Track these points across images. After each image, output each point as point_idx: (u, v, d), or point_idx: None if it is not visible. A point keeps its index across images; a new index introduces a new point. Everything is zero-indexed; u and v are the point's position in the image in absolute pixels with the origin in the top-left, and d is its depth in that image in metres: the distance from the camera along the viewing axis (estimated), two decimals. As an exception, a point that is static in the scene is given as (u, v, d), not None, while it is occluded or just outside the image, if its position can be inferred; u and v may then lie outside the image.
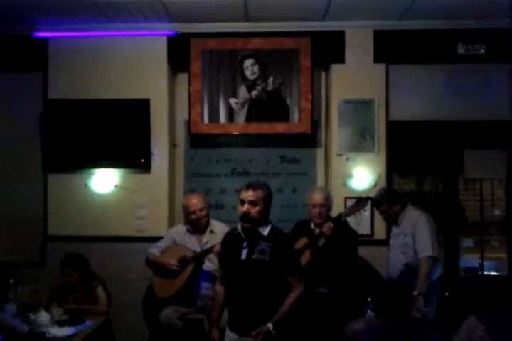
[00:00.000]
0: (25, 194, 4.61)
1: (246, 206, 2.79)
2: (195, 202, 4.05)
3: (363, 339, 2.62)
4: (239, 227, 2.90)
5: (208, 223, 4.09)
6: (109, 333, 3.78)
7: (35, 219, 4.58)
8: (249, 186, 2.84)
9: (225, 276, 2.97)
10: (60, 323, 3.35)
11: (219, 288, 3.02)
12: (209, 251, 3.86)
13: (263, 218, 2.85)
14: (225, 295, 2.94)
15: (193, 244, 4.04)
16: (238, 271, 2.82)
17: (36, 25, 4.52)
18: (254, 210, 2.79)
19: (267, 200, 2.85)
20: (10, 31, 4.55)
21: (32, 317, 3.27)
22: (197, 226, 4.06)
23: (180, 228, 4.17)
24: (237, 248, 2.84)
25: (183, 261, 3.89)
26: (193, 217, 4.02)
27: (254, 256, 2.78)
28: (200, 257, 3.90)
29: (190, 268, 3.88)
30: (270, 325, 2.71)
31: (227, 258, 2.94)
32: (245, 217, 2.80)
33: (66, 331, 3.24)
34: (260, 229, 2.84)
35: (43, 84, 4.61)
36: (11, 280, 3.61)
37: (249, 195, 2.80)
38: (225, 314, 2.98)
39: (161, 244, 4.10)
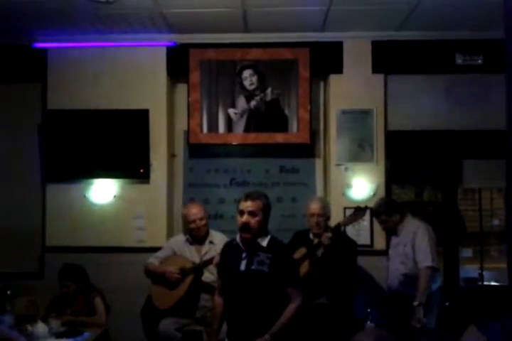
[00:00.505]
0: (23, 204, 4.61)
1: (245, 216, 2.79)
2: (195, 211, 4.04)
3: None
4: (237, 238, 2.89)
5: (207, 233, 4.08)
6: (107, 345, 3.75)
7: (34, 229, 4.57)
8: (248, 196, 2.83)
9: (223, 287, 2.95)
10: (58, 335, 3.31)
11: (218, 299, 3.00)
12: (208, 262, 3.84)
13: (262, 228, 2.84)
14: (224, 307, 2.92)
15: (192, 254, 4.03)
16: (237, 282, 2.81)
17: (35, 36, 4.54)
18: (254, 220, 2.78)
19: (265, 210, 2.84)
20: (9, 42, 4.58)
21: (29, 328, 3.24)
22: (196, 235, 4.05)
23: (180, 238, 4.16)
24: (236, 259, 2.83)
25: (183, 272, 3.87)
26: (193, 226, 4.01)
27: (253, 267, 2.76)
28: (199, 268, 3.88)
29: (189, 279, 3.85)
30: (268, 337, 2.69)
31: (225, 270, 2.92)
32: (245, 227, 2.79)
33: (64, 343, 3.22)
34: (259, 240, 2.83)
35: (42, 95, 4.62)
36: (9, 291, 3.59)
37: (248, 205, 2.79)
38: (225, 325, 2.96)
39: (159, 254, 4.08)
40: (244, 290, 2.77)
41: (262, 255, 2.78)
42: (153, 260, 4.03)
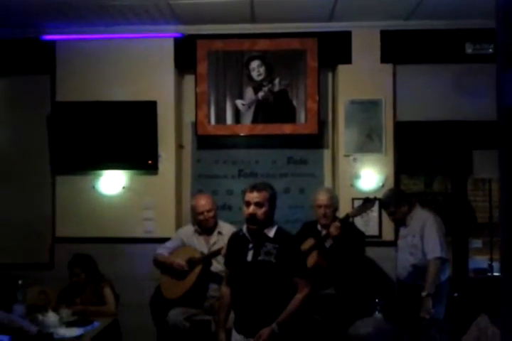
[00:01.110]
0: (33, 196, 4.64)
1: (252, 207, 2.79)
2: (204, 203, 4.05)
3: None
4: (244, 229, 2.90)
5: (215, 224, 4.09)
6: (116, 334, 3.79)
7: (44, 220, 4.60)
8: (253, 187, 2.83)
9: (230, 278, 2.97)
10: (68, 324, 3.37)
11: (225, 289, 3.02)
12: (217, 252, 3.86)
13: (269, 219, 2.84)
14: (231, 297, 2.94)
15: (200, 244, 4.05)
16: (244, 272, 2.82)
17: (44, 29, 4.55)
18: (260, 211, 2.79)
19: (272, 201, 2.85)
20: (18, 34, 4.58)
21: (40, 318, 3.29)
22: (204, 227, 4.06)
23: (189, 228, 4.18)
24: (243, 249, 2.84)
25: (191, 262, 3.89)
26: (201, 217, 4.03)
27: (260, 258, 2.77)
28: (208, 258, 3.91)
29: (198, 270, 3.88)
30: (275, 326, 2.70)
31: (233, 260, 2.94)
32: (252, 218, 2.79)
33: (74, 332, 3.27)
34: (266, 231, 2.83)
35: (51, 87, 4.64)
36: (20, 282, 3.63)
37: (254, 196, 2.80)
38: (232, 315, 2.98)
39: (169, 244, 4.11)
40: (251, 280, 2.78)
41: (268, 245, 2.78)
42: (163, 250, 4.05)
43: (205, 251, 3.98)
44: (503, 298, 1.14)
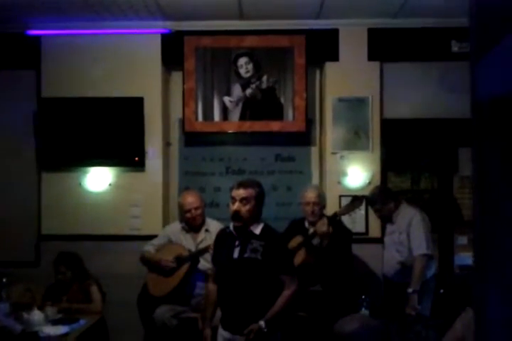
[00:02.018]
0: (18, 193, 4.59)
1: (237, 204, 2.78)
2: (191, 200, 4.03)
3: (359, 340, 2.62)
4: (231, 226, 2.90)
5: (203, 222, 4.08)
6: (103, 332, 3.77)
7: (29, 217, 4.56)
8: (240, 184, 2.83)
9: (217, 275, 2.97)
10: (54, 322, 3.34)
11: (211, 286, 3.01)
12: (204, 250, 3.85)
13: (254, 216, 2.84)
14: (218, 294, 2.93)
15: (188, 242, 4.03)
16: (230, 269, 2.81)
17: (29, 24, 4.50)
18: (245, 209, 2.78)
19: (258, 199, 2.84)
20: (2, 29, 4.52)
21: (25, 316, 3.27)
22: (192, 224, 4.05)
23: (176, 226, 4.16)
24: (230, 246, 2.83)
25: (179, 260, 3.88)
26: (188, 215, 4.01)
27: (246, 255, 2.77)
28: (195, 256, 3.90)
29: (185, 267, 3.87)
30: (262, 323, 2.70)
31: (219, 257, 2.93)
32: (236, 215, 2.79)
33: (60, 330, 3.23)
34: (252, 228, 2.83)
35: (36, 82, 4.59)
36: (4, 279, 3.61)
37: (240, 193, 2.79)
38: (218, 312, 2.98)
39: (155, 241, 4.09)
40: (237, 277, 2.78)
41: (255, 243, 2.78)
42: (149, 248, 4.04)
43: (193, 248, 3.97)
44: (474, 294, 1.15)
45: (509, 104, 1.01)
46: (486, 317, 1.09)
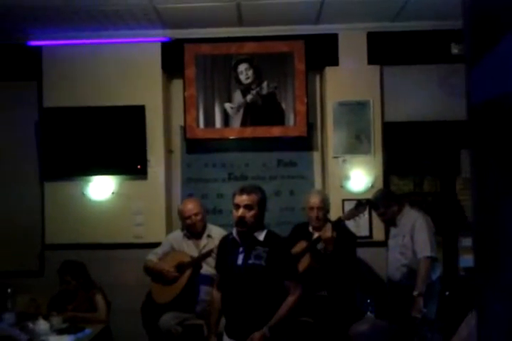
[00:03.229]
0: (22, 202, 4.60)
1: (241, 210, 2.78)
2: (190, 207, 4.04)
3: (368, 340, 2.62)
4: (234, 232, 2.89)
5: (204, 228, 4.08)
6: (108, 340, 3.76)
7: (33, 227, 4.57)
8: (243, 190, 2.82)
9: (221, 282, 2.96)
10: (59, 332, 3.34)
11: (216, 293, 3.01)
12: (206, 255, 3.85)
13: (258, 222, 2.84)
14: (222, 301, 2.92)
15: (190, 249, 4.03)
16: (235, 276, 2.81)
17: (30, 34, 4.52)
18: (250, 214, 2.78)
19: (261, 204, 2.84)
20: (4, 40, 4.55)
21: (31, 326, 3.26)
22: (193, 231, 4.05)
23: (178, 233, 4.16)
24: (233, 253, 2.83)
25: (180, 267, 3.88)
26: (189, 222, 4.01)
27: (250, 261, 2.76)
28: (197, 262, 3.89)
29: (187, 274, 3.87)
30: (266, 329, 2.70)
31: (223, 264, 2.92)
32: (241, 221, 2.78)
33: (65, 339, 3.24)
34: (256, 234, 2.82)
35: (38, 92, 4.61)
36: (9, 290, 3.60)
37: (243, 199, 2.79)
38: (223, 319, 2.96)
39: (158, 250, 4.08)
40: (241, 284, 2.77)
41: (259, 249, 2.78)
42: (152, 257, 4.03)
43: (195, 254, 3.96)
44: (477, 296, 1.15)
45: (503, 107, 1.01)
46: (486, 317, 1.09)
